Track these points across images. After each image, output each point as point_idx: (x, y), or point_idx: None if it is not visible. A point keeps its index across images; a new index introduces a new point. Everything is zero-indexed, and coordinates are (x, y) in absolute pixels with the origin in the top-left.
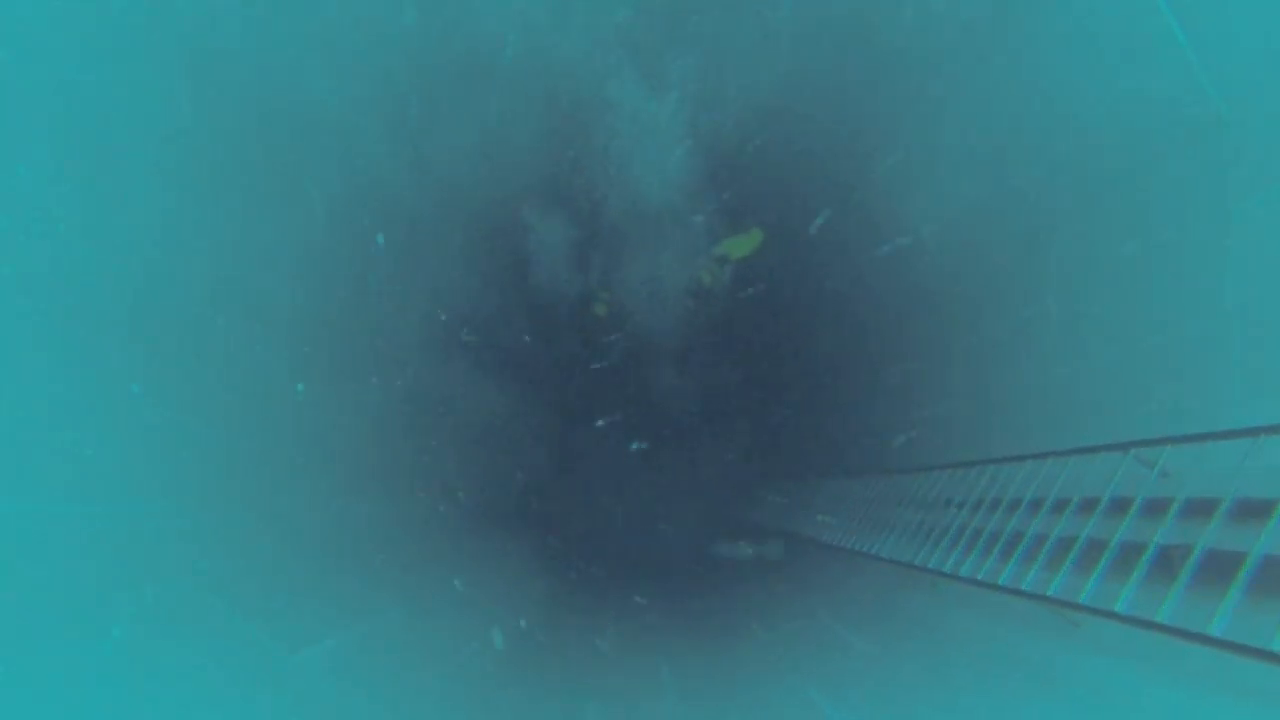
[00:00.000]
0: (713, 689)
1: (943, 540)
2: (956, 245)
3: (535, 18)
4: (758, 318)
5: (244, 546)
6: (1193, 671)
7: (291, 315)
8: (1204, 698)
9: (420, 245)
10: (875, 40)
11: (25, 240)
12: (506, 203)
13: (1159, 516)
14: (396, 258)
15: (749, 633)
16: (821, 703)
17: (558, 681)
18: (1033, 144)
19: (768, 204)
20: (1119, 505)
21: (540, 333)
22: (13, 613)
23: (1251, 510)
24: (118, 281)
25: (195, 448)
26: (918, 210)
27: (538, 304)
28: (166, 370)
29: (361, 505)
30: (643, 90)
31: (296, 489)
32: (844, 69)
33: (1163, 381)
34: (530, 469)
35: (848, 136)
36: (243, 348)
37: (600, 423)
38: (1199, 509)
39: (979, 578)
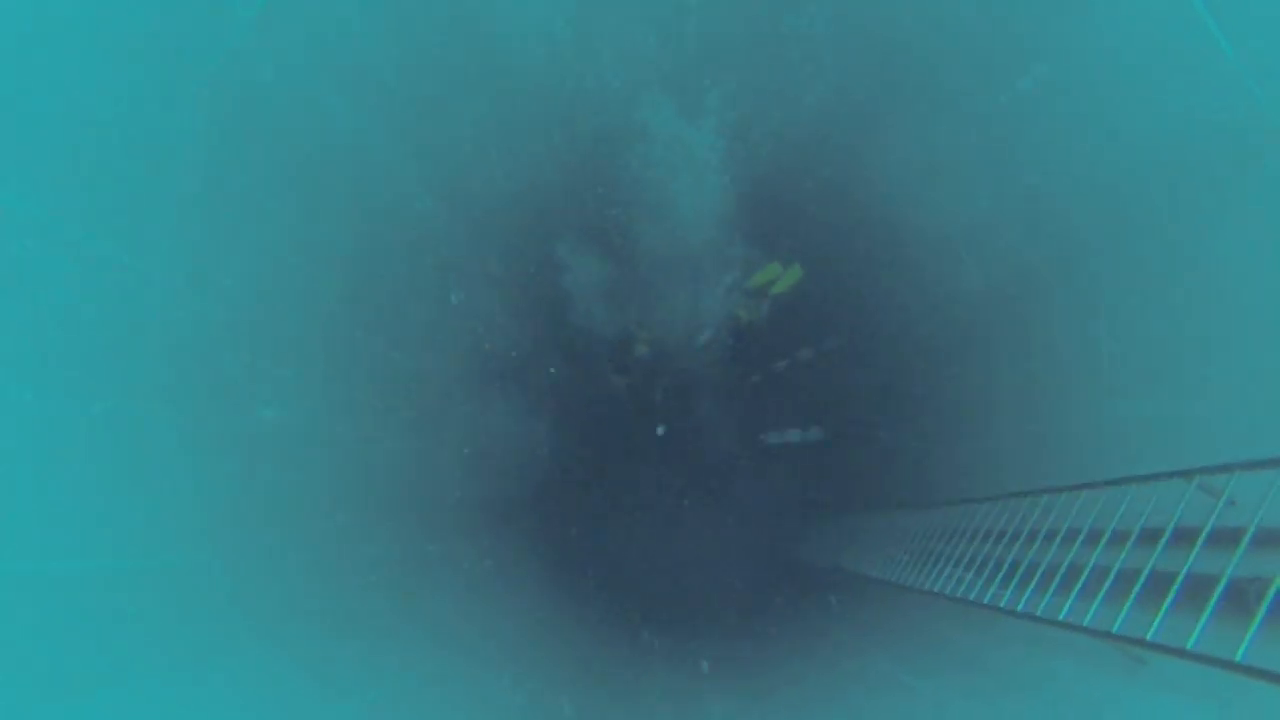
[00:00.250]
0: None
1: (998, 574)
2: (1004, 274)
3: (562, 47)
4: (799, 352)
5: (270, 583)
6: (1270, 714)
7: (324, 347)
8: None
9: (452, 281)
10: (918, 69)
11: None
12: (538, 236)
13: (1229, 548)
14: (433, 298)
15: (802, 676)
16: None
17: None
18: (1082, 171)
19: (807, 236)
20: (1184, 536)
21: (578, 370)
22: (24, 655)
23: None
24: (144, 315)
25: (218, 480)
26: (963, 241)
27: (573, 341)
28: (184, 396)
29: (391, 532)
30: (675, 120)
31: (326, 521)
32: (886, 97)
33: (1226, 406)
34: (572, 508)
35: (889, 167)
36: (265, 381)
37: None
38: (1273, 539)
39: (1038, 613)
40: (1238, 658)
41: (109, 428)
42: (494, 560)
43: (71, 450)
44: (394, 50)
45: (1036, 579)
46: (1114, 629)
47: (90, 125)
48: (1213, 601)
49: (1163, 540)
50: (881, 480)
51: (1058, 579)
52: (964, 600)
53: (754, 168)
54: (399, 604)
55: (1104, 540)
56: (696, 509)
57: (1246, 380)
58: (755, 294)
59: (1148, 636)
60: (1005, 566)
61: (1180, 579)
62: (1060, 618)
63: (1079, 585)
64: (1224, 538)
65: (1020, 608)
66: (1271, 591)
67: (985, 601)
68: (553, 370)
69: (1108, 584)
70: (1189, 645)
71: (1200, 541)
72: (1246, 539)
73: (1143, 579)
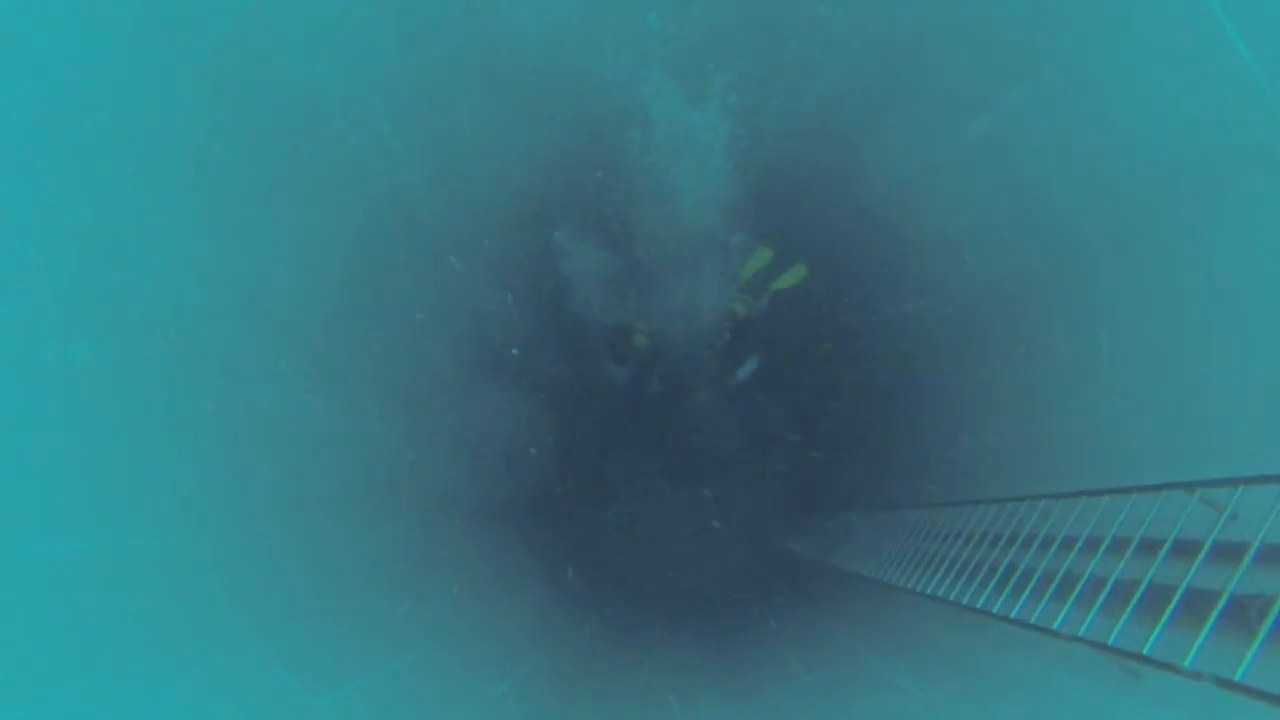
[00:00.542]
0: None
1: (992, 578)
2: (1006, 273)
3: (563, 28)
4: (796, 347)
5: (268, 577)
6: None
7: (322, 336)
8: None
9: (448, 266)
10: (927, 62)
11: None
12: (537, 222)
13: (1231, 563)
14: (425, 280)
15: (790, 673)
16: None
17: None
18: (1086, 168)
19: (810, 228)
20: (1185, 549)
21: (575, 360)
22: (28, 647)
23: None
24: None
25: (214, 472)
26: (966, 239)
27: (571, 330)
28: (184, 392)
29: (389, 532)
30: (678, 104)
31: (326, 516)
32: (894, 89)
33: (1230, 418)
34: (561, 494)
35: (895, 160)
36: (267, 373)
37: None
38: (1277, 556)
39: (1032, 620)
40: (1237, 677)
41: (101, 417)
42: (486, 552)
43: (64, 438)
44: (393, 34)
45: (1032, 585)
46: (1110, 641)
47: (85, 112)
48: (1213, 618)
49: (1162, 552)
50: (877, 479)
51: (1053, 586)
52: (957, 604)
53: (758, 155)
54: (393, 600)
55: (1102, 549)
56: (691, 501)
57: (1253, 389)
58: (752, 288)
59: (1144, 651)
60: (1000, 571)
61: (1180, 593)
62: (1054, 626)
63: (1075, 594)
64: (1226, 552)
65: (1014, 614)
66: (1275, 610)
67: (979, 606)
68: (515, 352)
69: (1104, 594)
70: (1186, 663)
71: (1201, 555)
72: (1250, 555)
73: (1140, 591)
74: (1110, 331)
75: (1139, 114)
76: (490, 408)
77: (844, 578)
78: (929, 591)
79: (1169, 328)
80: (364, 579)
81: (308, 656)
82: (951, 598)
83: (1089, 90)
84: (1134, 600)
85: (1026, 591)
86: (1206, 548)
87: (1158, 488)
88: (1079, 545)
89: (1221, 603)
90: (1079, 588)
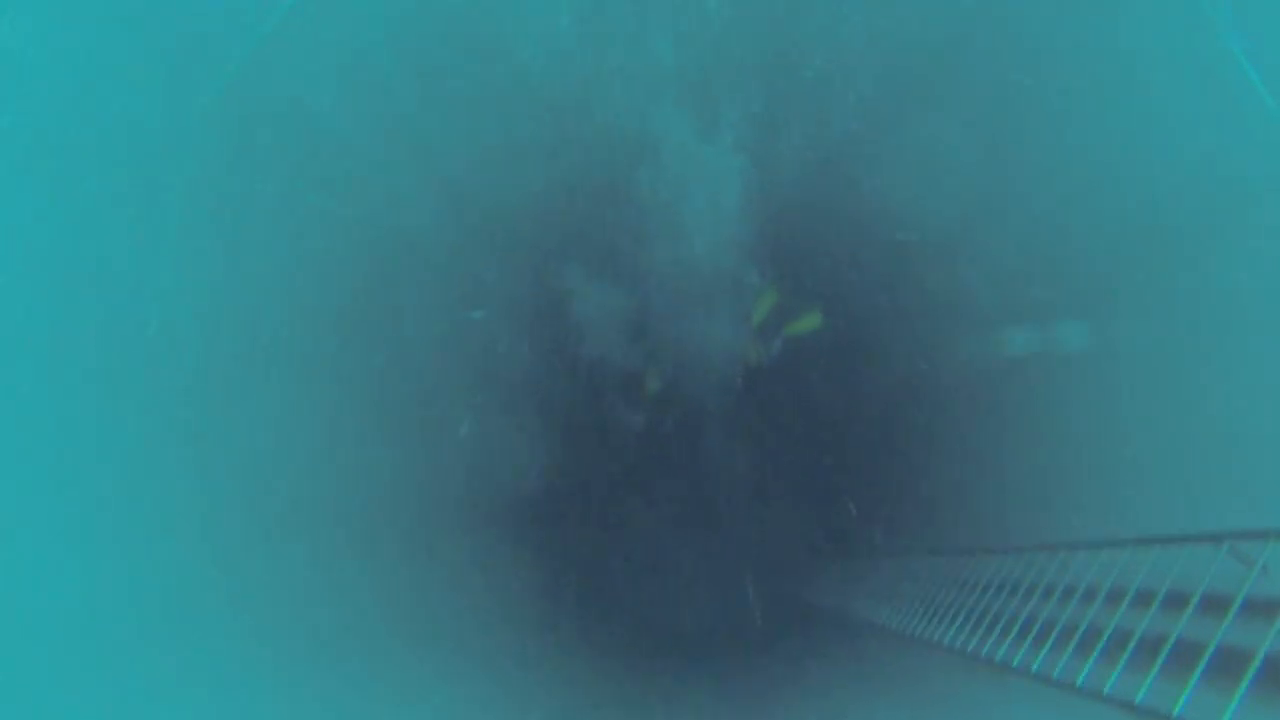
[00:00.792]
0: None
1: (1011, 630)
2: (1026, 320)
3: (576, 63)
4: (809, 393)
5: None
6: None
7: (335, 374)
8: None
9: (457, 302)
10: (947, 104)
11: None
12: (547, 261)
13: (1265, 619)
14: (435, 315)
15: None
16: None
17: None
18: (1105, 205)
19: (825, 271)
20: (1214, 603)
21: (587, 404)
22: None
23: None
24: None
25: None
26: (981, 284)
27: (582, 373)
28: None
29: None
30: (692, 140)
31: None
32: (914, 124)
33: (1259, 465)
34: (576, 540)
35: (912, 203)
36: (277, 409)
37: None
38: None
39: (1054, 676)
40: None
41: (118, 434)
42: (500, 594)
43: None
44: (405, 75)
45: (1053, 638)
46: (1137, 700)
47: (103, 136)
48: (1247, 679)
49: (1190, 607)
50: (891, 523)
51: (1075, 640)
52: (975, 656)
53: (774, 193)
54: (403, 632)
55: (1126, 601)
56: (704, 547)
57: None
58: (763, 333)
59: (1174, 713)
60: (1020, 622)
61: (1210, 650)
62: (1078, 683)
63: (1098, 649)
64: (1259, 608)
65: (1035, 669)
66: None
67: (997, 659)
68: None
69: (1130, 649)
70: None
71: (1233, 611)
72: None
73: (1168, 647)
74: (1129, 374)
75: (1157, 152)
76: (500, 447)
77: (859, 626)
78: (945, 642)
79: (1191, 370)
80: (386, 624)
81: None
82: (969, 650)
83: (1112, 126)
84: (1161, 657)
85: (1047, 645)
86: (1238, 603)
87: (1183, 539)
88: (1101, 597)
89: (1257, 662)
90: (1102, 642)
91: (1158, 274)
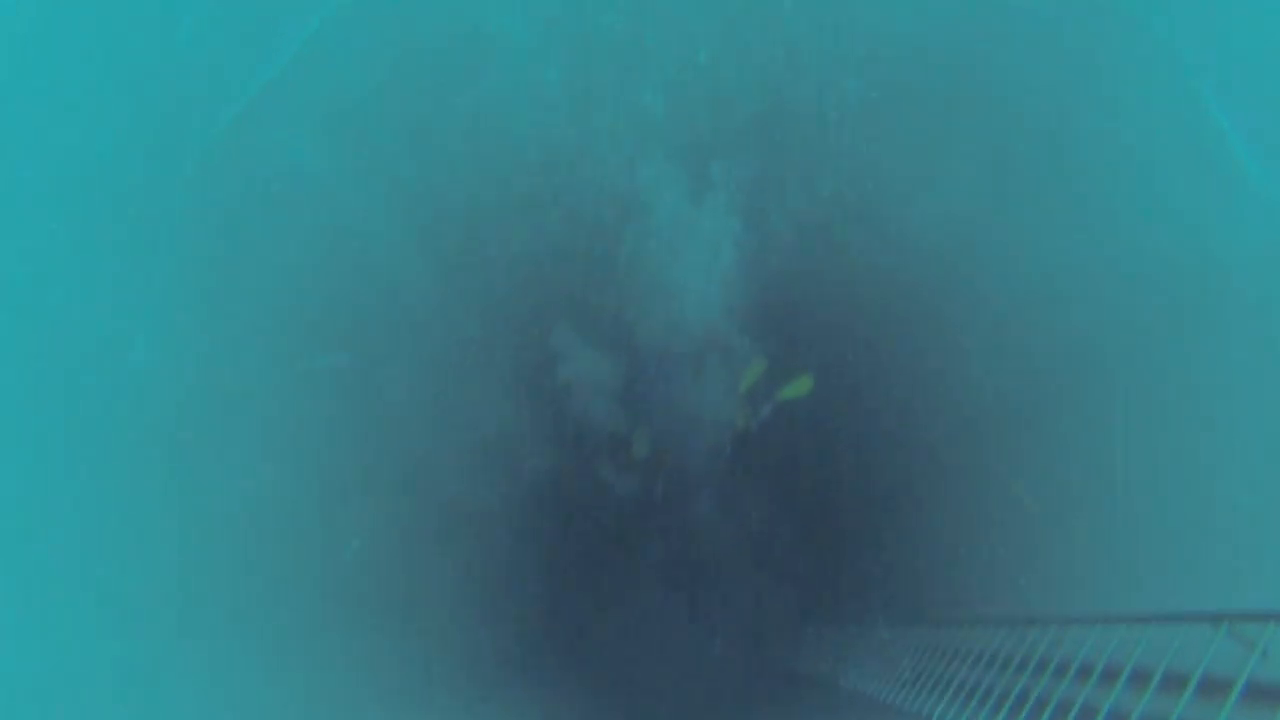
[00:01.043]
0: None
1: (1003, 707)
2: (1020, 390)
3: (563, 125)
4: (798, 459)
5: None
6: None
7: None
8: None
9: (449, 370)
10: (940, 173)
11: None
12: (535, 323)
13: (1266, 705)
14: (424, 380)
15: None
16: None
17: None
18: (1098, 284)
19: (816, 337)
20: (1213, 686)
21: (574, 468)
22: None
23: None
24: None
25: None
26: (974, 352)
27: (570, 436)
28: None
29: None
30: (682, 202)
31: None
32: (911, 187)
33: (1257, 546)
34: (563, 605)
35: (903, 269)
36: (259, 475)
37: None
38: None
39: None
40: None
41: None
42: (487, 656)
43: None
44: (396, 137)
45: (1047, 717)
46: None
47: (93, 193)
48: None
49: (1189, 689)
50: (881, 592)
51: (1070, 719)
52: None
53: (764, 258)
54: (379, 694)
55: (1121, 680)
56: (690, 613)
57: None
58: (750, 400)
59: None
60: (1012, 698)
61: None
62: None
63: None
64: (1260, 693)
65: None
66: None
67: None
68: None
69: None
70: None
71: (1234, 696)
72: None
73: None
74: (1125, 447)
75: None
76: (485, 511)
77: (847, 696)
78: (935, 716)
79: (1186, 444)
80: (369, 690)
81: None
82: None
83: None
84: None
85: None
86: (1238, 688)
87: (1181, 617)
88: (1096, 675)
89: None
90: None
91: (1151, 345)
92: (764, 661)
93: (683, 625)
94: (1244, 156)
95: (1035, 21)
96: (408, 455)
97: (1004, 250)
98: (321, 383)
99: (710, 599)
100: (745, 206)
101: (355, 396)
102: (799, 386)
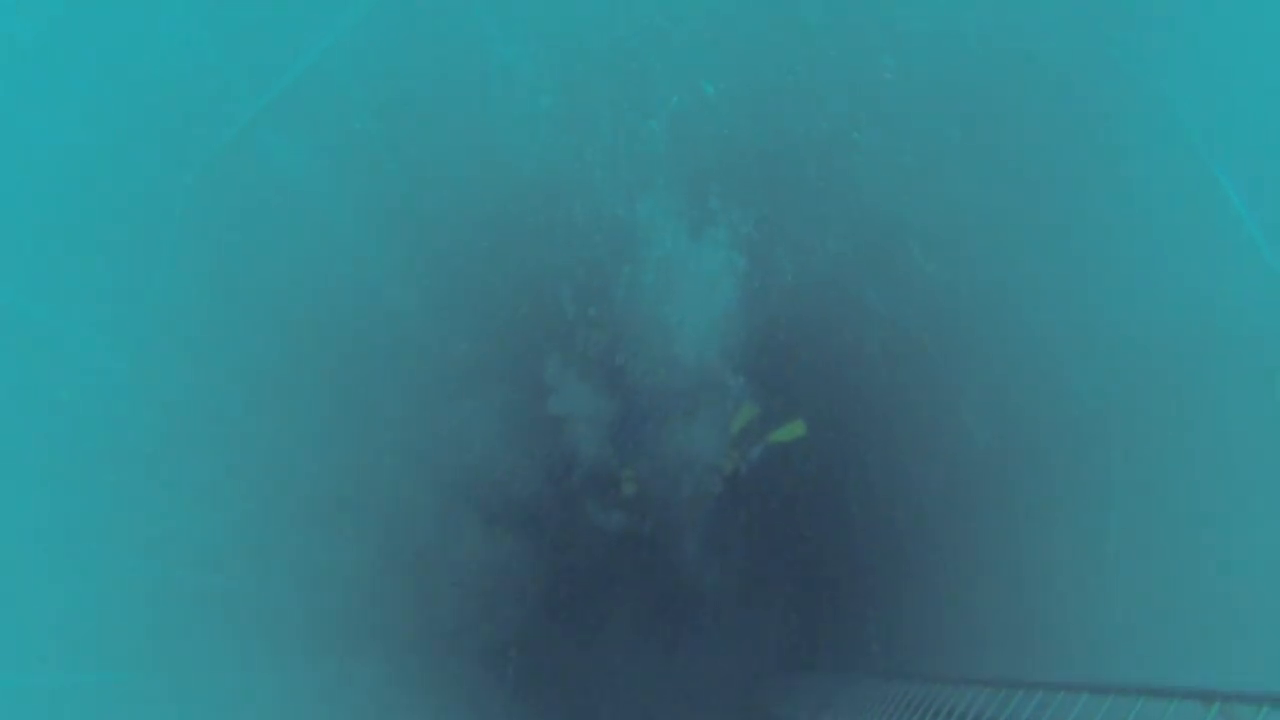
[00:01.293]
0: None
1: None
2: (1010, 447)
3: (560, 154)
4: (788, 504)
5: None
6: None
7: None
8: None
9: (436, 402)
10: (946, 232)
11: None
12: (527, 359)
13: None
14: (412, 414)
15: None
16: None
17: None
18: (1097, 347)
19: (810, 383)
20: None
21: (561, 508)
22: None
23: None
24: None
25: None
26: (969, 410)
27: (559, 476)
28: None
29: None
30: (681, 239)
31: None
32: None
33: (1251, 626)
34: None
35: (902, 320)
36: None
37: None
38: None
39: None
40: None
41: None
42: (460, 690)
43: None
44: (391, 167)
45: None
46: None
47: (88, 214)
48: None
49: None
50: (865, 644)
51: None
52: None
53: (761, 300)
54: None
55: None
56: (675, 657)
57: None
58: (740, 443)
59: None
60: None
61: None
62: None
63: None
64: None
65: None
66: None
67: None
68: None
69: None
70: None
71: None
72: None
73: None
74: (1120, 513)
75: (1156, 301)
76: (471, 548)
77: None
78: None
79: (1182, 511)
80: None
81: None
82: None
83: (1111, 278)
84: None
85: None
86: None
87: (1172, 692)
88: None
89: None
90: None
91: (1152, 415)
92: (742, 705)
93: (661, 665)
94: (1254, 229)
95: (1052, 86)
96: (388, 483)
97: (1007, 311)
98: (308, 405)
99: (692, 640)
100: (747, 247)
101: (340, 420)
102: (791, 430)
